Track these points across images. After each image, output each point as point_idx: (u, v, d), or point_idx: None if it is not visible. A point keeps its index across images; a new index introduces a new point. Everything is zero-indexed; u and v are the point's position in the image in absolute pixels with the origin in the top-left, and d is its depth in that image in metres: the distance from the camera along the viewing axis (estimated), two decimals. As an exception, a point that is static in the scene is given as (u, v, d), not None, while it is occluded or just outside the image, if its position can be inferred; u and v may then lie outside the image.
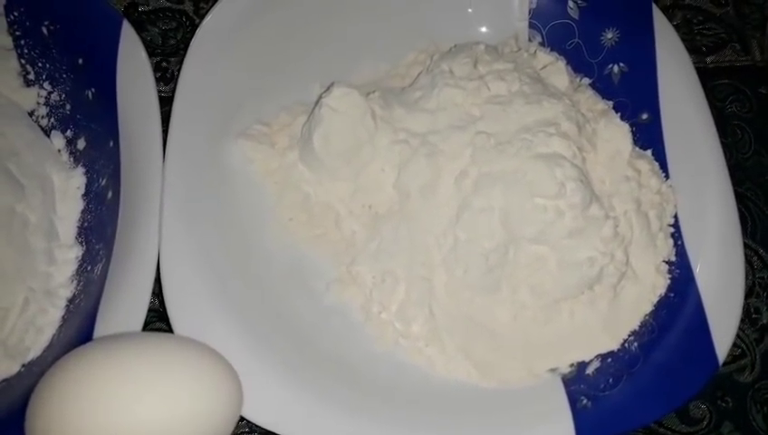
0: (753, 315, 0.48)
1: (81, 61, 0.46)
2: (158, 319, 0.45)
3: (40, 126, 0.47)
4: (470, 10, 0.50)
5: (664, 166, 0.46)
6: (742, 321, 0.42)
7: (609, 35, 0.49)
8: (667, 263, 0.44)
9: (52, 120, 0.47)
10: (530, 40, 0.50)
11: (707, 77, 0.53)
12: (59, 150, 0.47)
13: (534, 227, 0.41)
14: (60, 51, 0.46)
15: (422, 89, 0.45)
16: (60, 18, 0.46)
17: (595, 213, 0.41)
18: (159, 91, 0.46)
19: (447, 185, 0.42)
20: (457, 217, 0.42)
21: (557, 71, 0.46)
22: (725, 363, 0.41)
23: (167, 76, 0.52)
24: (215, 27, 0.47)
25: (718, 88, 0.54)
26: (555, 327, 0.42)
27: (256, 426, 0.39)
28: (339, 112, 0.43)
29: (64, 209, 0.45)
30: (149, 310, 0.39)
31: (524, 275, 0.41)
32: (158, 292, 0.41)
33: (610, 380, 0.40)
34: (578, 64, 0.49)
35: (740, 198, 0.47)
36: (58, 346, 0.41)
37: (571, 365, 0.42)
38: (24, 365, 0.41)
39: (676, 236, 0.44)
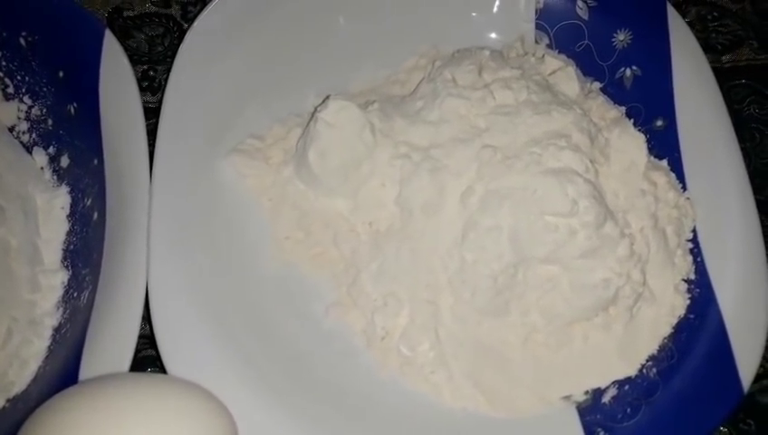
0: (776, 333, 0.45)
1: (61, 73, 0.43)
2: (149, 346, 0.43)
3: (21, 142, 0.45)
4: (474, 14, 0.48)
5: (680, 176, 0.44)
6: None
7: (621, 37, 0.46)
8: (686, 282, 0.42)
9: (34, 135, 0.45)
10: (536, 42, 0.48)
11: (723, 77, 0.50)
12: (41, 168, 0.45)
13: (545, 246, 0.38)
14: (39, 63, 0.44)
15: (423, 99, 0.43)
16: (38, 28, 0.44)
17: (610, 231, 0.38)
18: (146, 102, 0.44)
19: (452, 202, 0.40)
20: (463, 236, 0.40)
21: (566, 77, 0.44)
22: (747, 384, 0.39)
23: (153, 85, 0.50)
24: (204, 33, 0.45)
25: (735, 89, 0.52)
26: (568, 352, 0.40)
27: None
28: (335, 127, 0.41)
29: (48, 232, 0.43)
30: (140, 337, 0.37)
31: (535, 297, 0.39)
32: (147, 316, 0.39)
33: (628, 409, 0.38)
34: (587, 68, 0.47)
35: (760, 206, 0.45)
36: (43, 379, 0.39)
37: (586, 393, 0.40)
38: (8, 400, 0.39)
39: (696, 252, 0.42)
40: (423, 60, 0.47)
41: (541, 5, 0.48)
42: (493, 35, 0.48)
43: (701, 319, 0.40)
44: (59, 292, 0.41)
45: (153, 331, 0.38)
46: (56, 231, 0.43)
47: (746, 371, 0.38)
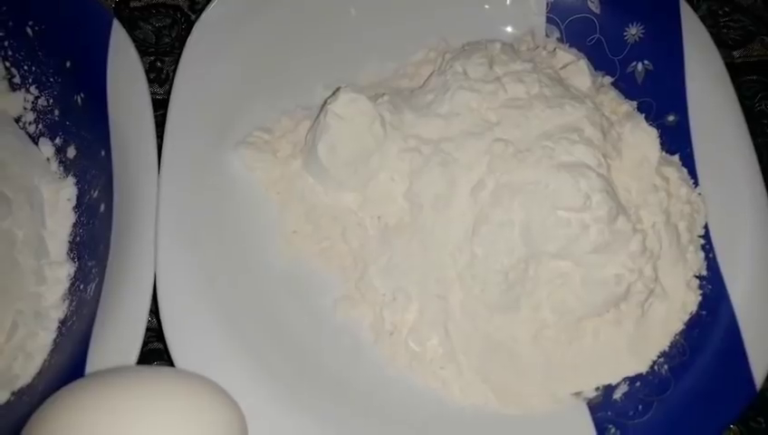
0: (788, 329, 0.45)
1: (68, 63, 0.43)
2: (156, 339, 0.43)
3: (27, 133, 0.45)
4: (487, 6, 0.47)
5: (692, 171, 0.43)
6: (776, 336, 0.39)
7: (633, 31, 0.46)
8: (698, 278, 0.41)
9: (40, 126, 0.45)
10: (547, 36, 0.48)
11: (734, 73, 0.49)
12: (47, 159, 0.44)
13: (557, 241, 0.38)
14: (46, 52, 0.44)
15: (434, 92, 0.42)
16: (45, 17, 0.43)
17: (622, 227, 0.38)
18: (154, 94, 0.43)
19: (463, 196, 0.40)
20: (474, 230, 0.39)
21: (578, 70, 0.44)
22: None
23: (161, 77, 0.49)
24: (212, 24, 0.44)
25: (746, 84, 0.51)
26: (579, 348, 0.39)
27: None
28: (345, 120, 0.40)
29: (54, 223, 0.43)
30: (147, 329, 0.37)
31: (546, 292, 0.39)
32: (155, 309, 0.38)
33: (640, 406, 0.38)
34: (599, 62, 0.47)
35: (772, 202, 0.44)
36: (49, 373, 0.38)
37: (597, 389, 0.39)
38: (13, 393, 0.38)
39: (707, 248, 0.42)
40: (432, 53, 0.47)
41: (552, -2, 0.47)
42: (503, 28, 0.48)
43: (713, 315, 0.40)
44: (65, 284, 0.41)
45: (160, 324, 0.38)
46: (62, 223, 0.42)
47: (759, 368, 0.37)
